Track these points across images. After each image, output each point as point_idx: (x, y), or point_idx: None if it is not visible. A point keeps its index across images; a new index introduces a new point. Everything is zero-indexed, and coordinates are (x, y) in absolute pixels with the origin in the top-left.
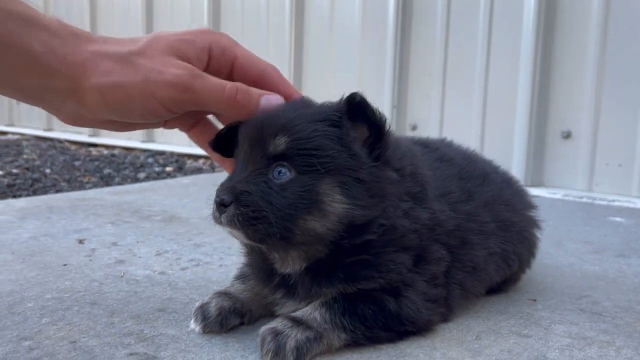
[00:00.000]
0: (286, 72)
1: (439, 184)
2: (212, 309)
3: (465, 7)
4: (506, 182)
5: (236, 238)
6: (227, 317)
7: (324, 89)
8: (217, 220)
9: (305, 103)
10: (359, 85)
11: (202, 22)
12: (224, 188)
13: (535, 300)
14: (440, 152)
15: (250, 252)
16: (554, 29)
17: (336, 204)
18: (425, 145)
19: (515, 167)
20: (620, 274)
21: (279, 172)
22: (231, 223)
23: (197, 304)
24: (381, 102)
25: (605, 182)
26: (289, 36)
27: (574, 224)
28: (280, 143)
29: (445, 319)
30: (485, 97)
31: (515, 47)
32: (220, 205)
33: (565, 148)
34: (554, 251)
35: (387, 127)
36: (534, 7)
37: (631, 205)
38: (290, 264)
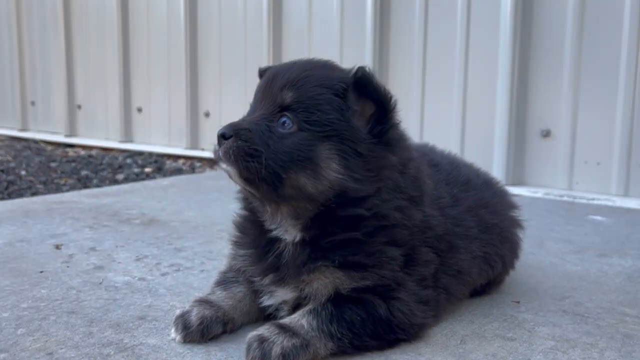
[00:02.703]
0: None
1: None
2: (194, 317)
3: (443, 10)
4: (486, 184)
5: (231, 177)
6: (209, 326)
7: None
8: (216, 154)
9: (321, 65)
10: None
11: (179, 23)
12: (228, 125)
13: (518, 302)
14: (428, 157)
15: (246, 229)
16: (531, 31)
17: (331, 171)
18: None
19: (495, 166)
20: (601, 274)
21: (284, 122)
22: (226, 155)
23: (177, 313)
24: None
25: (584, 181)
26: (266, 37)
27: (555, 223)
28: (288, 96)
29: (434, 322)
30: (464, 97)
31: (494, 48)
32: (221, 138)
33: (544, 147)
34: (536, 251)
35: (392, 105)
36: (511, 8)
37: (610, 204)
38: (280, 221)
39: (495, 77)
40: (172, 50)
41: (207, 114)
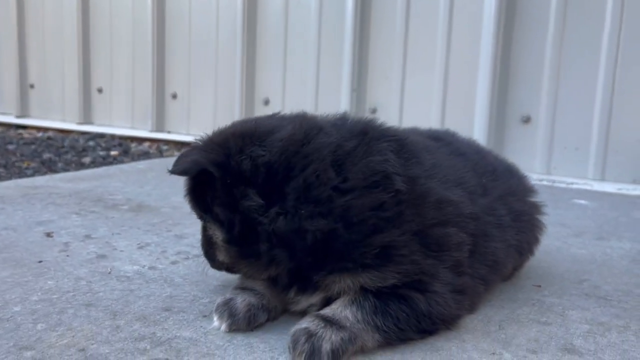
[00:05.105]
0: (238, 51)
1: (455, 174)
2: (240, 305)
3: None
4: (508, 170)
5: None
6: (256, 314)
7: (279, 71)
8: None
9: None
10: (317, 69)
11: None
12: None
13: (539, 286)
14: (453, 146)
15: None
16: (514, 16)
17: (216, 238)
18: (438, 139)
19: None
20: (607, 257)
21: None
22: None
23: (220, 300)
24: (340, 86)
25: (562, 165)
26: (241, 16)
27: (545, 207)
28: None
29: (471, 311)
30: (446, 81)
31: (476, 33)
32: None
33: (524, 132)
34: None
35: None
36: None
37: (589, 188)
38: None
39: (477, 62)
40: (137, 26)
41: (174, 96)
